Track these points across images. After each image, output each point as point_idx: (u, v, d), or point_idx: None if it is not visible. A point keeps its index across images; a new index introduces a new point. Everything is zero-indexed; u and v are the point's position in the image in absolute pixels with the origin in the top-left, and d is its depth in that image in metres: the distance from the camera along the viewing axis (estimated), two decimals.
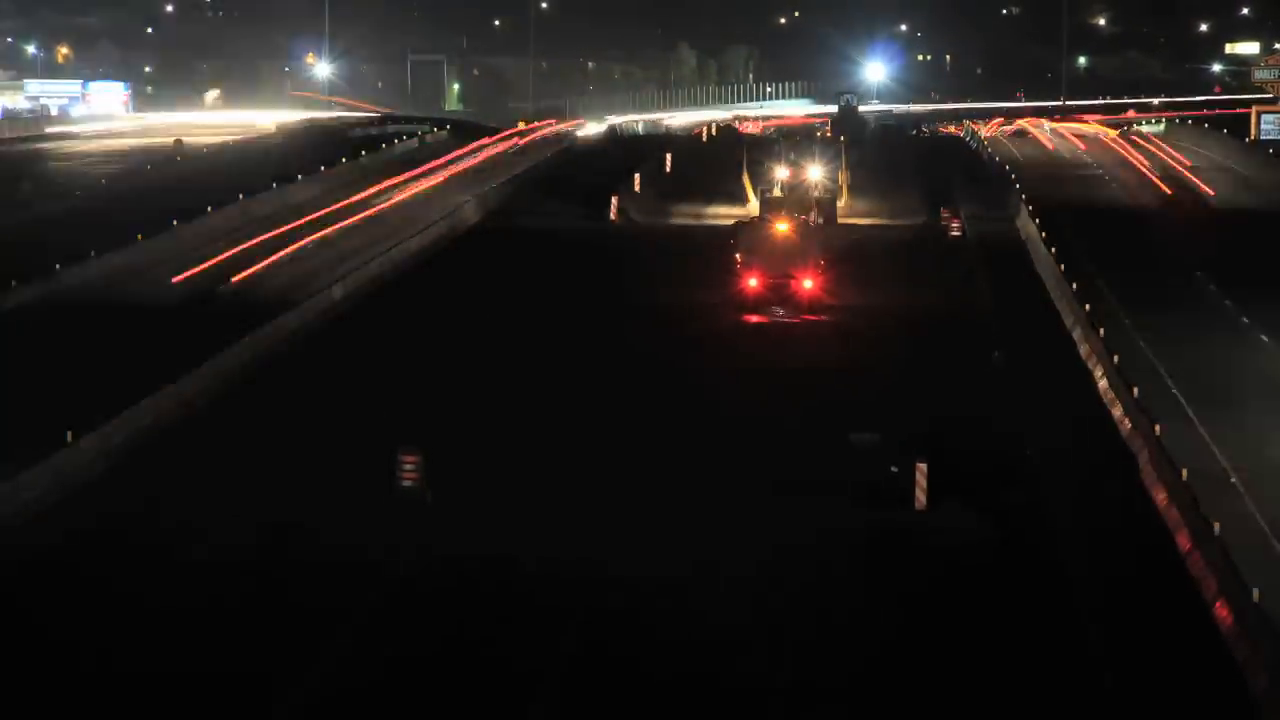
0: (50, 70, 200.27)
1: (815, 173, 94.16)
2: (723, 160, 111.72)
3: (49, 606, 36.43)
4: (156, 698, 32.11)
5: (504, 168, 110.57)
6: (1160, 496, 42.80)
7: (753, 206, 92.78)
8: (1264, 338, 60.93)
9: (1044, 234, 78.44)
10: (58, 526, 41.02)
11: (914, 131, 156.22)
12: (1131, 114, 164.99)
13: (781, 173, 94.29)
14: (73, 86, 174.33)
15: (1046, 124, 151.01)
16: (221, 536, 40.58)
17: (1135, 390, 50.32)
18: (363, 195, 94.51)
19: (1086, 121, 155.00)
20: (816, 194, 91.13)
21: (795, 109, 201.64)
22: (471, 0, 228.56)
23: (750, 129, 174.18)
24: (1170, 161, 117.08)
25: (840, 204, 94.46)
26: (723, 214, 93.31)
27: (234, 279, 71.09)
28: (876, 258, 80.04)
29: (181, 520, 41.70)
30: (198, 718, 31.60)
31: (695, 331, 63.73)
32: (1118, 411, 50.97)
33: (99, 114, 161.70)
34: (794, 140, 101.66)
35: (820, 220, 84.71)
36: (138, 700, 32.01)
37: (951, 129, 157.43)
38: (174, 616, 35.76)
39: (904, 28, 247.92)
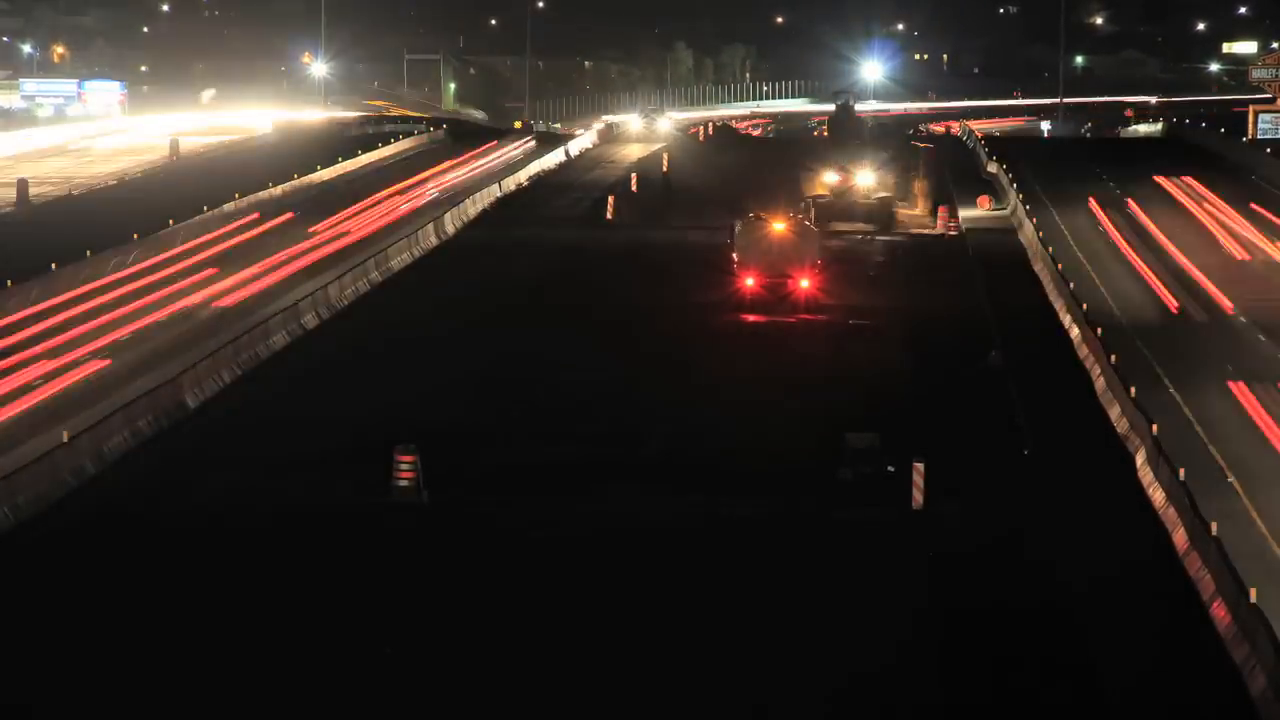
0: (47, 69, 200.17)
1: (865, 179, 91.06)
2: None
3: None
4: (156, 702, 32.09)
5: None
6: (1158, 495, 42.70)
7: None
8: None
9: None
10: None
11: (911, 132, 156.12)
12: (1129, 114, 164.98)
13: (830, 178, 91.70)
14: (69, 86, 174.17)
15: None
16: None
17: (1133, 390, 50.20)
18: None
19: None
20: (868, 201, 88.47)
21: (792, 108, 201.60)
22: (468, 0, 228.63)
23: (751, 130, 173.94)
24: None
25: (916, 211, 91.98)
26: None
27: None
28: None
29: None
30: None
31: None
32: (1115, 411, 50.86)
33: (96, 113, 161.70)
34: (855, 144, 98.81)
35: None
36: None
37: (947, 128, 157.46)
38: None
39: (901, 27, 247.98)
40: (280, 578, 38.18)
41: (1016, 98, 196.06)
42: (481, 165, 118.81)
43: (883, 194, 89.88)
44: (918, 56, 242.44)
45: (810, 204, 71.86)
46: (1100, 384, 54.09)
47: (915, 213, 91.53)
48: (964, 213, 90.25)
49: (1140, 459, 45.85)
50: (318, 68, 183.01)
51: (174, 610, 36.20)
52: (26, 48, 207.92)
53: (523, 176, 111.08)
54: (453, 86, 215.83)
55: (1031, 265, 76.63)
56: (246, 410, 52.30)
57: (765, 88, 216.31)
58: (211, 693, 32.37)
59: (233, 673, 33.17)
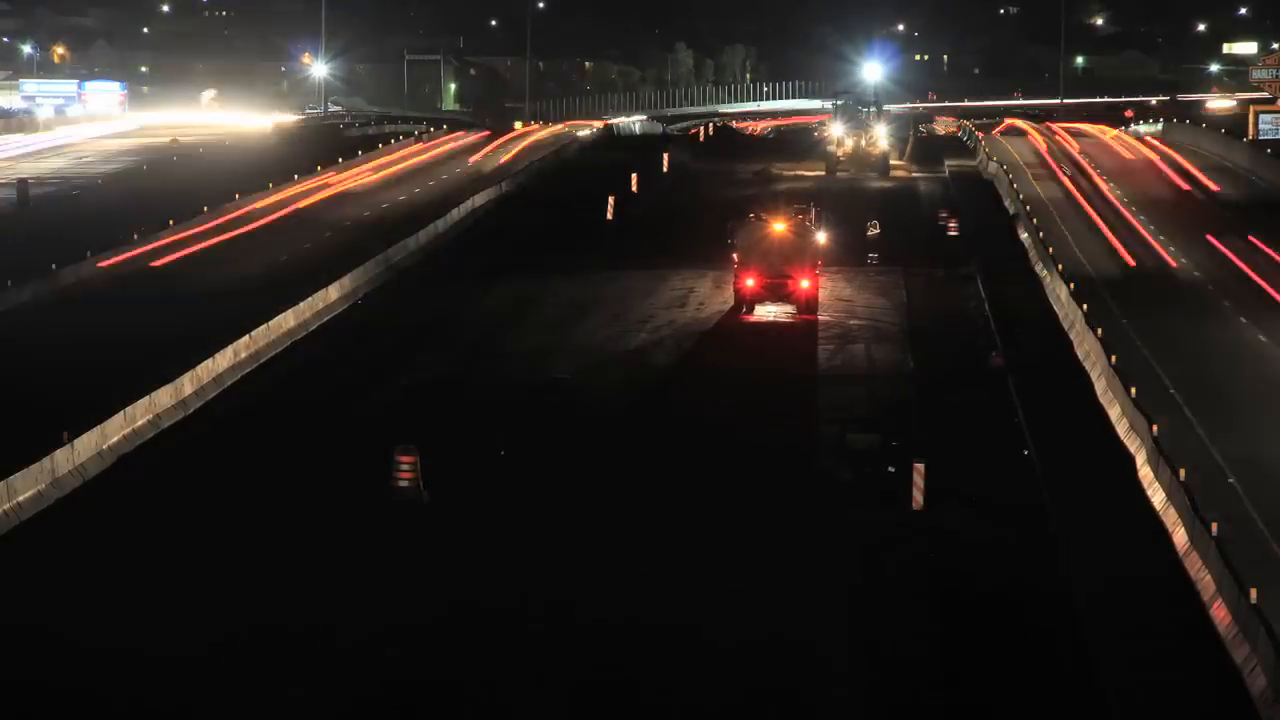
0: (47, 70, 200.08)
1: (881, 130, 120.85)
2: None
3: None
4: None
5: None
6: (1158, 496, 42.71)
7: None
8: None
9: None
10: None
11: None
12: (1129, 114, 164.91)
13: (837, 130, 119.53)
14: (69, 86, 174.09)
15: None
16: None
17: (1133, 390, 50.20)
18: None
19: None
20: (876, 151, 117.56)
21: (792, 109, 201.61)
22: (468, 0, 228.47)
23: (751, 129, 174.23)
24: None
25: (894, 161, 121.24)
26: None
27: None
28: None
29: None
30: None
31: None
32: (1115, 411, 50.87)
33: (96, 114, 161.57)
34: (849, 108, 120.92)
35: (878, 171, 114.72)
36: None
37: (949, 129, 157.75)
38: None
39: (901, 27, 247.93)
40: (280, 577, 38.28)
41: (1017, 98, 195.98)
42: None
43: (883, 145, 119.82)
44: (918, 57, 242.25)
45: (811, 205, 72.11)
46: (1100, 384, 54.09)
47: (901, 163, 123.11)
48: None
49: (1140, 459, 45.87)
50: (318, 68, 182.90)
51: (173, 611, 36.27)
52: (27, 48, 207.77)
53: None
54: (453, 87, 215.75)
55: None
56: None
57: (765, 88, 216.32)
58: (210, 691, 32.45)
59: (230, 673, 33.25)
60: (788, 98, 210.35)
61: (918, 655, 34.10)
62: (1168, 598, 36.79)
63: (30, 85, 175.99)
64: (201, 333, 57.45)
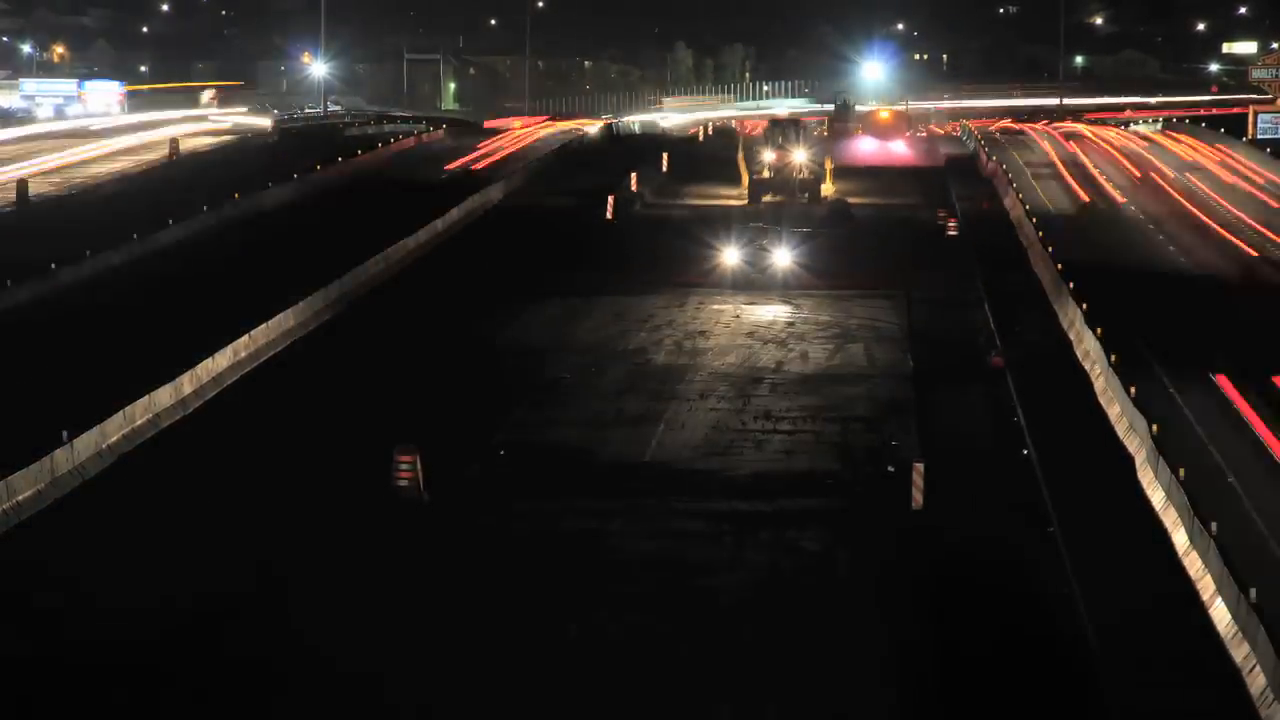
0: (47, 69, 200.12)
1: (800, 156, 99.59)
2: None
3: None
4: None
5: None
6: (1157, 496, 42.73)
7: (744, 189, 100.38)
8: None
9: None
10: None
11: (910, 131, 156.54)
12: (1129, 113, 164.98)
13: (768, 156, 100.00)
14: (68, 85, 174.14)
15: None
16: None
17: (1133, 389, 50.22)
18: None
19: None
20: (801, 176, 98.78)
21: (791, 108, 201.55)
22: (468, 0, 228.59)
23: (750, 128, 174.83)
24: None
25: (824, 186, 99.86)
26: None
27: None
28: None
29: None
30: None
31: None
32: (1114, 411, 50.88)
33: (95, 112, 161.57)
34: (782, 127, 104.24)
35: (806, 198, 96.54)
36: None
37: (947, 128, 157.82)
38: None
39: (901, 27, 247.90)
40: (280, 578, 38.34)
41: (1015, 96, 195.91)
42: None
43: (814, 168, 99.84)
44: (917, 57, 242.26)
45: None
46: (1100, 383, 54.11)
47: (825, 186, 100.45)
48: None
49: (1140, 459, 45.88)
50: (317, 67, 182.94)
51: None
52: (26, 48, 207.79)
53: None
54: (452, 86, 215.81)
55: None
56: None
57: (765, 88, 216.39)
58: (212, 693, 32.52)
59: (233, 671, 33.30)
60: (787, 97, 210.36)
61: (916, 654, 34.11)
62: (1167, 597, 36.80)
63: (30, 84, 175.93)
64: None
